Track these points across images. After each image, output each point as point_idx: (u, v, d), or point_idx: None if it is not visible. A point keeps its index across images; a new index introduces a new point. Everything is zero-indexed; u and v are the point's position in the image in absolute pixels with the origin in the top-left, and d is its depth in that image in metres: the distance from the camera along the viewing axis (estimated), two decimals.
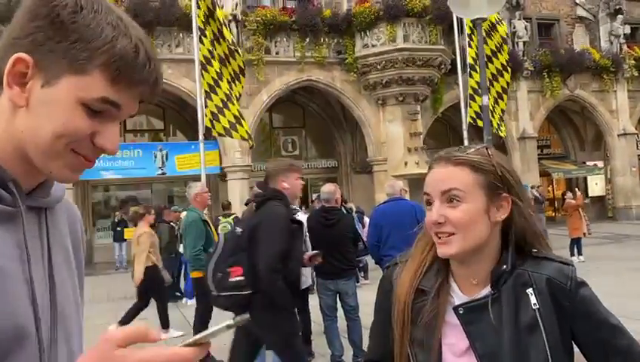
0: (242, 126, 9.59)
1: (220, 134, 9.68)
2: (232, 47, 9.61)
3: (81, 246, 0.96)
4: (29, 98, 0.78)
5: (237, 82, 9.74)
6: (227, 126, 9.50)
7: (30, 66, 0.77)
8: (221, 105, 9.57)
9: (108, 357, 0.69)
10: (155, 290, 7.47)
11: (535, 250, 1.25)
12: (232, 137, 9.99)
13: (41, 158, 0.79)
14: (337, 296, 5.80)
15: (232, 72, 9.69)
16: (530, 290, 1.20)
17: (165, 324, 7.85)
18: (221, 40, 9.52)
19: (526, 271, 1.22)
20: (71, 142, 0.79)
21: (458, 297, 1.25)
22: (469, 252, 1.22)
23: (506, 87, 11.58)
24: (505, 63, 11.41)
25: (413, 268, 1.31)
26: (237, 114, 9.48)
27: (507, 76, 11.56)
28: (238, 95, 9.76)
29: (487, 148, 1.27)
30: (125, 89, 0.80)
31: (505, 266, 1.21)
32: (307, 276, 6.14)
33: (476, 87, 11.25)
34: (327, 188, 5.99)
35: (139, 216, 7.71)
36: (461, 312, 1.22)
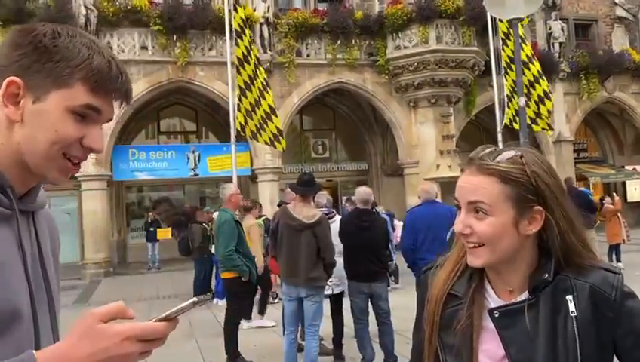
0: (265, 132, 9.72)
1: (249, 136, 9.83)
2: (257, 63, 9.80)
3: (58, 250, 1.10)
4: (23, 114, 0.92)
5: (266, 93, 9.89)
6: (254, 129, 9.62)
7: (21, 87, 0.91)
8: (250, 108, 9.71)
9: (92, 328, 0.81)
10: (262, 278, 7.74)
11: (582, 260, 1.19)
12: (257, 140, 10.13)
13: (37, 163, 0.93)
14: (369, 299, 5.75)
15: (261, 84, 9.86)
16: (569, 297, 1.14)
17: (262, 311, 8.40)
18: (254, 47, 9.75)
19: (568, 277, 1.16)
20: (63, 146, 0.93)
21: (494, 301, 1.21)
22: (498, 263, 1.18)
23: (547, 91, 11.44)
24: (537, 75, 11.34)
25: (447, 271, 1.28)
26: (260, 120, 9.65)
27: (544, 84, 11.47)
28: (269, 106, 9.88)
29: (521, 156, 1.18)
30: (103, 97, 0.95)
31: (546, 275, 1.16)
32: (343, 281, 6.09)
33: (514, 89, 11.20)
34: (364, 190, 5.93)
35: (248, 209, 8.16)
36: (496, 316, 1.18)
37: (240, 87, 9.63)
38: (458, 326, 1.20)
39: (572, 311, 1.13)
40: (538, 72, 11.26)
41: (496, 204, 1.15)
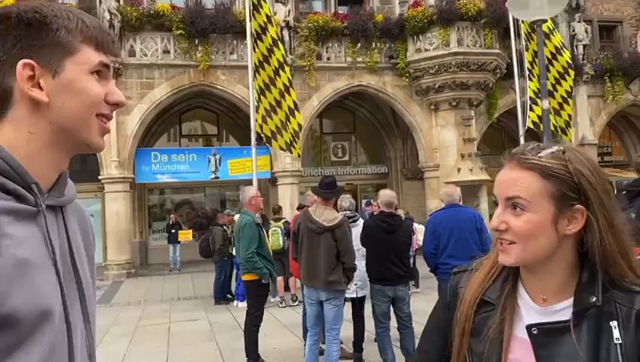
0: (282, 136, 9.73)
1: (264, 140, 9.87)
2: (282, 60, 9.78)
3: (92, 243, 1.08)
4: (47, 92, 0.90)
5: (287, 95, 9.89)
6: (268, 134, 9.65)
7: (35, 67, 0.89)
8: (269, 108, 9.74)
9: None
10: None
11: (630, 282, 1.10)
12: (271, 145, 10.13)
13: (77, 133, 0.93)
14: (392, 303, 5.74)
15: (282, 84, 9.86)
16: (614, 323, 1.07)
17: None
18: (275, 49, 9.71)
19: (614, 301, 1.09)
20: (97, 107, 0.94)
21: (528, 306, 1.16)
22: (533, 264, 1.13)
23: (569, 90, 11.25)
24: (566, 66, 11.06)
25: (482, 275, 1.23)
26: (279, 124, 9.64)
27: (569, 80, 11.21)
28: (289, 107, 9.87)
29: (564, 152, 1.13)
30: (106, 52, 0.96)
31: (594, 299, 1.09)
32: (365, 285, 6.07)
33: (537, 91, 11.07)
34: (389, 193, 5.92)
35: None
36: (534, 333, 1.12)
37: (260, 87, 9.67)
38: (489, 332, 1.16)
39: (617, 339, 1.06)
40: (563, 67, 11.05)
41: (535, 200, 1.10)
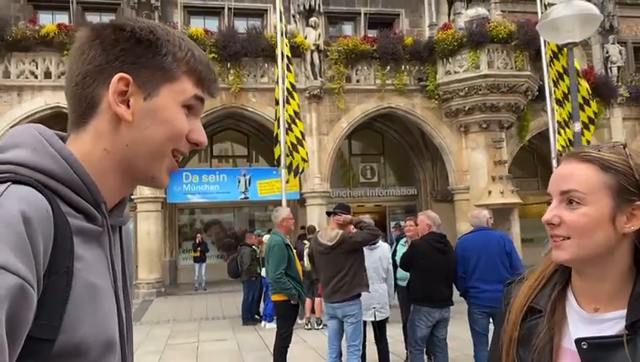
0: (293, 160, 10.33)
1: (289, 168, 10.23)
2: (291, 88, 10.25)
3: (132, 261, 1.04)
4: (134, 112, 0.86)
5: (298, 121, 10.33)
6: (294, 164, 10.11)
7: (130, 84, 0.86)
8: (295, 141, 10.11)
9: None
10: None
11: None
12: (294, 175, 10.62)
13: (148, 164, 0.89)
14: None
15: (295, 109, 10.29)
16: None
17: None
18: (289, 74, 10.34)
19: None
20: (177, 142, 0.89)
21: (576, 315, 1.10)
22: (586, 262, 1.06)
23: (592, 116, 11.24)
24: (589, 92, 11.13)
25: (531, 282, 1.19)
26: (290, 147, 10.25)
27: (594, 105, 11.21)
28: (301, 133, 10.34)
29: (625, 146, 1.08)
30: (206, 89, 0.93)
31: None
32: (386, 308, 6.09)
33: (565, 115, 11.23)
34: (435, 214, 5.97)
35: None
36: (584, 347, 1.05)
37: (290, 118, 10.03)
38: (537, 340, 1.11)
39: None
40: (588, 92, 11.13)
41: (592, 193, 1.04)
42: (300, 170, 10.68)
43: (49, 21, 16.09)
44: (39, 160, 0.80)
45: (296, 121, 10.40)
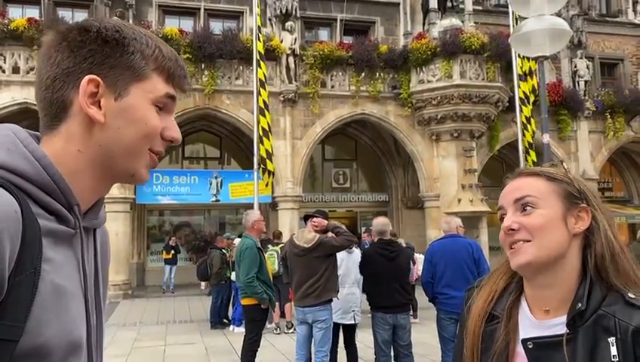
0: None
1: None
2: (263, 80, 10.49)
3: (108, 264, 1.04)
4: (105, 113, 0.86)
5: (265, 113, 10.55)
6: (264, 155, 10.25)
7: (100, 85, 0.85)
8: (261, 133, 10.39)
9: None
10: None
11: (631, 295, 1.07)
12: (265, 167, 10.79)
13: (126, 162, 0.89)
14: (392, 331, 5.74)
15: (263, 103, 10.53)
16: (612, 339, 1.04)
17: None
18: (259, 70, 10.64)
19: (613, 316, 1.06)
20: (151, 140, 0.89)
21: (527, 319, 1.16)
22: (541, 267, 1.12)
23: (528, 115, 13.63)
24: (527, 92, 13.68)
25: (487, 290, 1.24)
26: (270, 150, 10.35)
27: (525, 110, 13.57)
28: (268, 125, 10.65)
29: (562, 161, 1.23)
30: (176, 86, 0.92)
31: (579, 305, 1.08)
32: (358, 312, 6.11)
33: (524, 120, 13.45)
34: (382, 220, 5.99)
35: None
36: (530, 347, 1.12)
37: (260, 108, 10.27)
38: (495, 346, 1.16)
39: (613, 356, 1.03)
40: (531, 88, 13.43)
41: (544, 198, 1.14)
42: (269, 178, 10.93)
43: (19, 15, 15.72)
44: (12, 160, 0.79)
45: (269, 134, 10.61)
